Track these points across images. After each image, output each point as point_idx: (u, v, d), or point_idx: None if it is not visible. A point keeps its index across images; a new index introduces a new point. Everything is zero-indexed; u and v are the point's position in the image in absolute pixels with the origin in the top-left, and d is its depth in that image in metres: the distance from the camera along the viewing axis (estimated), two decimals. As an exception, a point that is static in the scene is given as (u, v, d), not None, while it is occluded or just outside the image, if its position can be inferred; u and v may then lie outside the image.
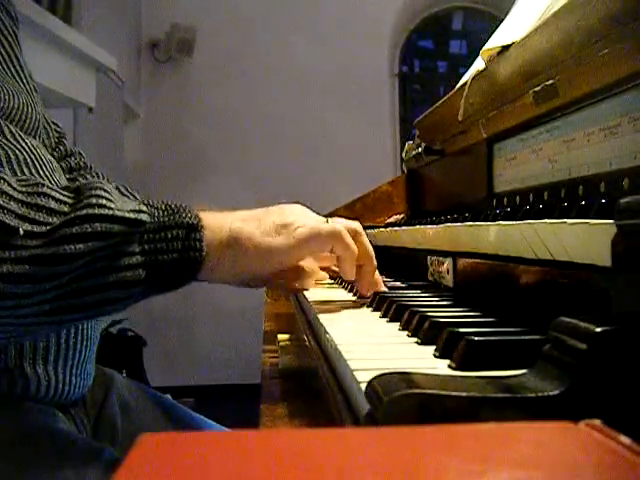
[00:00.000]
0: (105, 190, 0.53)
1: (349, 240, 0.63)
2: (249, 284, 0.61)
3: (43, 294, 0.49)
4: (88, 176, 0.89)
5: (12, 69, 0.75)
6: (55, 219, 0.49)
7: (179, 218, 0.54)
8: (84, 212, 0.50)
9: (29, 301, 0.49)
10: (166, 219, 0.54)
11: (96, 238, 0.50)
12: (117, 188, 0.87)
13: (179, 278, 0.54)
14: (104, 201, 0.51)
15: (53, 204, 0.50)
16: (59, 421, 0.64)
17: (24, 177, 0.56)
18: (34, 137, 0.75)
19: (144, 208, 0.54)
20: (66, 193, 0.52)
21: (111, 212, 0.51)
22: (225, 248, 0.56)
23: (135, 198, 0.86)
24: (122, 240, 0.51)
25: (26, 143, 0.68)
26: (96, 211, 0.50)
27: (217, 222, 0.56)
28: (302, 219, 0.61)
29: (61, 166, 0.86)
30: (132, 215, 0.52)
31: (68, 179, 0.86)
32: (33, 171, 0.66)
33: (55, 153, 0.87)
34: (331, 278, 0.93)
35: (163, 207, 0.55)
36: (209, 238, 0.55)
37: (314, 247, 0.61)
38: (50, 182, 0.68)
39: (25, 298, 0.49)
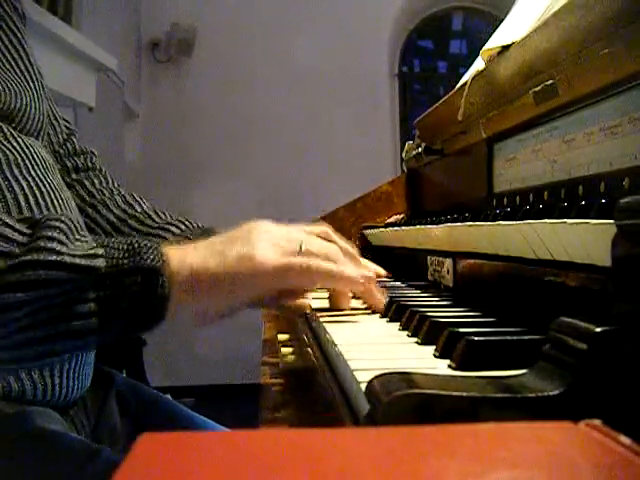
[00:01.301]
0: (60, 229, 0.50)
1: (324, 267, 0.57)
2: (225, 315, 0.57)
3: None
4: (95, 180, 0.87)
5: (21, 66, 0.75)
6: (2, 262, 0.46)
7: (139, 261, 0.50)
8: (30, 257, 0.47)
9: None
10: (124, 262, 0.50)
11: (40, 286, 0.47)
12: (123, 196, 0.86)
13: (139, 324, 0.51)
14: (55, 244, 0.48)
15: (2, 245, 0.47)
16: (57, 423, 0.64)
17: None
18: (36, 137, 0.75)
19: (100, 251, 0.50)
20: (22, 229, 0.49)
21: (60, 257, 0.47)
22: (186, 289, 0.52)
23: (140, 209, 0.85)
24: (73, 287, 0.48)
25: (18, 143, 0.67)
26: (42, 257, 0.47)
27: (178, 262, 0.52)
28: (269, 246, 0.56)
29: (66, 164, 0.86)
30: (84, 262, 0.48)
31: (73, 179, 0.86)
32: (24, 171, 0.65)
33: (62, 150, 0.87)
34: None
35: (125, 247, 0.51)
36: (170, 281, 0.51)
37: (285, 280, 0.56)
38: (44, 181, 0.67)
39: None
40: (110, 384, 0.81)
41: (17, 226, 0.50)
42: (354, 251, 0.64)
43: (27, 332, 0.48)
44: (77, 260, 0.48)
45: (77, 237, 0.51)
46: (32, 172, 0.66)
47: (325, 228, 0.64)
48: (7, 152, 0.65)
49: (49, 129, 0.84)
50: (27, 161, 0.67)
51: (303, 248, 0.57)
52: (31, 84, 0.75)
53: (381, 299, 0.64)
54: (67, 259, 0.48)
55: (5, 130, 0.67)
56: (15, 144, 0.67)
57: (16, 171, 0.64)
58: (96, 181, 0.87)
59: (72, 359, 0.67)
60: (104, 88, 2.81)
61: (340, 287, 0.61)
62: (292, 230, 0.61)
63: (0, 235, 0.48)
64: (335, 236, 0.64)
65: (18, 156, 0.66)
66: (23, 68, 0.75)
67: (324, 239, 0.62)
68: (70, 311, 0.48)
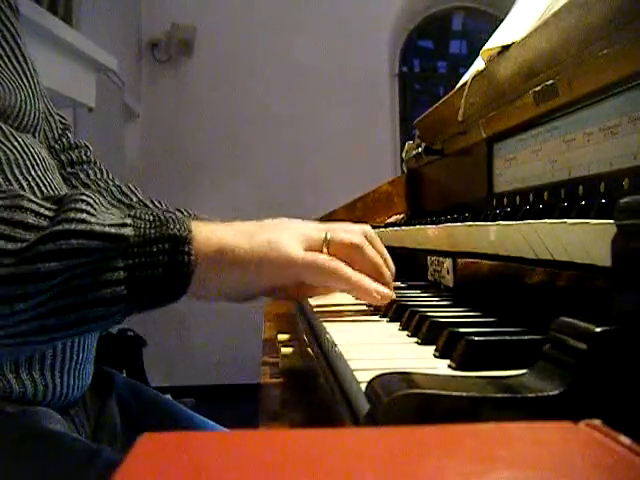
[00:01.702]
0: (87, 202, 0.50)
1: (344, 271, 0.57)
2: (240, 299, 0.57)
3: (20, 314, 0.48)
4: (90, 171, 0.87)
5: (14, 62, 0.74)
6: (32, 235, 0.47)
7: (166, 230, 0.51)
8: (60, 227, 0.47)
9: (6, 322, 0.48)
10: (152, 232, 0.51)
11: (72, 255, 0.47)
12: (119, 187, 0.86)
13: (166, 294, 0.51)
14: (84, 215, 0.49)
15: (31, 219, 0.48)
16: (57, 423, 0.64)
17: (4, 189, 0.54)
18: (33, 133, 0.74)
19: (128, 221, 0.51)
20: (47, 205, 0.50)
21: (90, 227, 0.48)
22: (212, 263, 0.53)
23: (136, 198, 0.85)
24: (103, 256, 0.49)
25: (18, 142, 0.67)
26: (73, 226, 0.48)
27: (206, 234, 0.53)
28: (297, 236, 0.57)
29: (61, 159, 0.86)
30: (113, 230, 0.49)
31: (69, 173, 0.85)
32: (24, 171, 0.65)
33: (57, 145, 0.87)
34: None
35: (151, 219, 0.52)
36: (197, 252, 0.51)
37: (309, 275, 0.56)
38: (44, 181, 0.67)
39: (1, 319, 0.47)
40: (110, 384, 0.81)
41: (42, 202, 0.50)
42: (387, 257, 0.63)
43: (59, 300, 0.48)
44: (107, 229, 0.49)
45: (103, 209, 0.51)
46: (32, 172, 0.66)
47: (368, 228, 0.64)
48: (7, 151, 0.65)
49: (45, 125, 0.84)
50: (27, 161, 0.66)
51: (329, 236, 0.58)
52: (25, 80, 0.75)
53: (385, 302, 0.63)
54: (97, 228, 0.48)
55: (5, 129, 0.67)
56: (15, 144, 0.66)
57: (16, 171, 0.64)
58: (91, 172, 0.87)
59: (73, 358, 0.67)
60: (104, 88, 2.81)
61: (355, 295, 0.60)
62: (322, 224, 0.61)
63: (27, 209, 0.49)
64: (378, 242, 0.63)
65: (18, 156, 0.65)
66: (17, 64, 0.75)
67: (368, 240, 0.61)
68: (101, 279, 0.49)
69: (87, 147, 0.91)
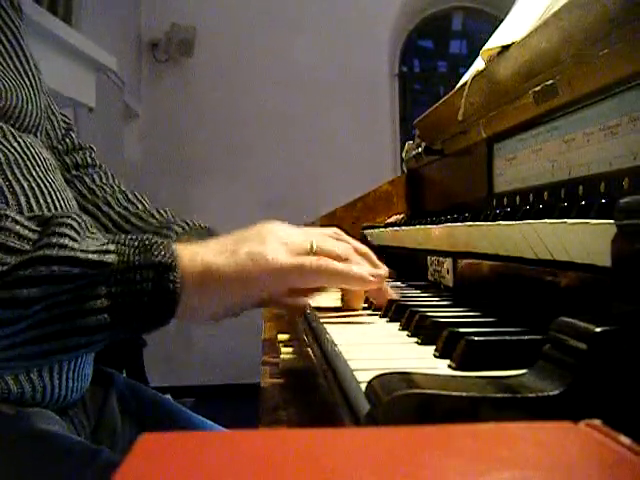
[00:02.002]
0: (71, 226, 0.49)
1: (332, 266, 0.56)
2: (231, 315, 0.57)
3: (2, 340, 0.47)
4: (95, 175, 0.86)
5: (16, 61, 0.74)
6: (12, 259, 0.46)
7: (150, 257, 0.50)
8: (41, 253, 0.46)
9: None
10: (136, 258, 0.50)
11: (53, 282, 0.46)
12: (124, 193, 0.85)
13: (151, 321, 0.50)
14: (66, 240, 0.48)
15: (13, 242, 0.47)
16: (55, 424, 0.63)
17: None
18: (35, 133, 0.74)
19: (112, 247, 0.50)
20: (31, 226, 0.49)
21: (72, 253, 0.47)
22: (198, 286, 0.52)
23: (142, 207, 0.84)
24: (85, 283, 0.48)
25: (18, 143, 0.67)
26: (54, 252, 0.47)
27: (190, 259, 0.52)
28: (281, 245, 0.55)
29: (65, 161, 0.85)
30: (95, 257, 0.48)
31: (73, 175, 0.85)
32: (25, 171, 0.65)
33: (60, 146, 0.86)
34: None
35: (135, 244, 0.51)
36: (182, 277, 0.50)
37: (297, 280, 0.56)
38: (45, 182, 0.67)
39: None
40: (110, 384, 0.81)
41: (27, 223, 0.49)
42: (366, 249, 0.63)
43: (39, 328, 0.47)
44: (89, 255, 0.48)
45: (88, 234, 0.51)
46: (33, 172, 0.66)
47: (335, 229, 0.64)
48: (7, 152, 0.64)
49: (47, 124, 0.83)
50: (28, 161, 0.66)
51: (314, 246, 0.57)
52: (27, 80, 0.74)
53: (392, 297, 0.63)
54: (80, 254, 0.47)
55: (5, 130, 0.67)
56: (15, 144, 0.66)
57: (17, 171, 0.64)
58: (96, 177, 0.86)
59: (72, 360, 0.66)
60: (104, 88, 2.81)
61: (351, 286, 0.60)
62: (303, 230, 0.60)
63: (11, 232, 0.47)
64: (346, 236, 0.63)
65: (18, 156, 0.65)
66: (18, 63, 0.74)
67: (335, 240, 0.61)
68: (83, 307, 0.48)
69: (91, 149, 0.90)
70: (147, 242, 0.51)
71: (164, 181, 3.58)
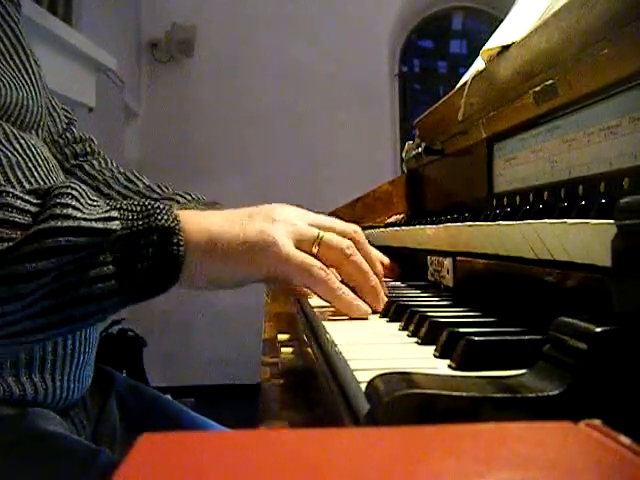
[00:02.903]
0: (72, 196, 0.49)
1: (331, 284, 0.56)
2: (230, 287, 0.56)
3: (12, 314, 0.47)
4: (95, 162, 0.86)
5: (15, 58, 0.73)
6: (17, 234, 0.46)
7: (154, 221, 0.50)
8: (47, 225, 0.46)
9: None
10: (139, 223, 0.49)
11: (60, 253, 0.46)
12: (124, 174, 0.86)
13: (156, 285, 0.50)
14: (70, 210, 0.48)
15: (16, 216, 0.47)
16: (56, 424, 0.63)
17: None
18: (36, 130, 0.73)
19: (115, 214, 0.50)
20: (32, 200, 0.49)
21: (76, 223, 0.47)
22: (204, 252, 0.52)
23: (142, 185, 0.85)
24: (91, 252, 0.48)
25: (20, 144, 0.66)
26: (59, 223, 0.47)
27: (196, 224, 0.52)
28: (289, 230, 0.55)
29: (65, 152, 0.85)
30: (100, 225, 0.48)
31: (73, 165, 0.85)
32: (27, 173, 0.64)
33: (61, 140, 0.86)
34: None
35: (138, 209, 0.51)
36: (187, 242, 0.50)
37: (291, 274, 0.55)
38: (47, 182, 0.67)
39: None
40: (111, 384, 0.81)
41: (27, 197, 0.49)
42: (378, 258, 0.63)
43: (50, 299, 0.47)
44: (94, 224, 0.48)
45: (89, 202, 0.50)
46: (35, 173, 0.66)
47: (355, 227, 0.63)
48: (9, 154, 0.64)
49: (48, 120, 0.83)
50: (29, 163, 0.66)
51: (320, 236, 0.57)
52: (27, 77, 0.73)
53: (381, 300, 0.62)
54: (84, 223, 0.47)
55: (7, 130, 0.66)
56: (17, 145, 0.66)
57: (19, 173, 0.63)
58: (95, 163, 0.86)
59: (73, 361, 0.66)
60: (104, 88, 2.81)
61: (337, 307, 0.59)
62: (317, 217, 0.60)
63: (12, 207, 0.47)
64: (363, 239, 0.62)
65: (20, 158, 0.65)
66: (18, 61, 0.73)
67: (351, 239, 0.60)
68: (91, 275, 0.48)
69: (92, 140, 0.90)
70: (149, 206, 0.51)
71: (164, 181, 3.58)
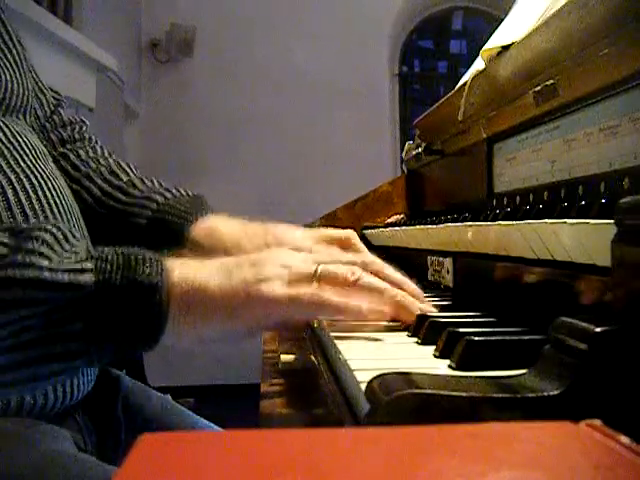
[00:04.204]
0: (44, 240, 0.45)
1: (332, 302, 0.51)
2: (220, 342, 0.52)
3: None
4: (81, 151, 0.81)
5: None
6: None
7: (134, 275, 0.45)
8: (3, 274, 0.42)
9: None
10: (117, 277, 0.45)
11: (18, 306, 0.42)
12: (108, 166, 0.78)
13: (132, 347, 0.46)
14: (36, 258, 0.43)
15: None
16: (64, 440, 0.60)
17: None
18: (23, 114, 0.70)
19: (88, 265, 0.45)
20: (3, 240, 0.44)
21: (38, 274, 0.42)
22: (185, 310, 0.47)
23: (126, 177, 0.78)
24: (55, 307, 0.43)
25: (4, 133, 0.63)
26: (18, 274, 0.42)
27: (179, 277, 0.48)
28: (280, 272, 0.50)
29: (51, 138, 0.81)
30: (66, 277, 0.43)
31: (59, 153, 0.80)
32: (12, 162, 0.61)
33: (48, 124, 0.82)
34: None
35: (120, 260, 0.46)
36: (169, 298, 0.46)
37: (291, 313, 0.51)
38: (35, 172, 0.61)
39: None
40: (116, 387, 0.78)
41: (1, 238, 0.45)
42: (380, 264, 0.58)
43: (10, 355, 0.43)
44: (59, 276, 0.43)
45: (66, 247, 0.46)
46: (21, 163, 0.62)
47: (350, 233, 0.61)
48: None
49: (35, 103, 0.78)
50: (15, 152, 0.62)
51: (319, 271, 0.52)
52: (10, 58, 0.70)
53: (412, 313, 0.55)
54: (47, 275, 0.43)
55: None
56: (1, 134, 0.62)
57: (3, 164, 0.60)
58: (82, 152, 0.81)
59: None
60: (104, 88, 2.81)
61: (348, 319, 0.55)
62: (310, 255, 0.56)
63: None
64: (359, 244, 0.59)
65: (4, 147, 0.61)
66: (0, 41, 0.70)
67: (347, 245, 0.58)
68: (54, 333, 0.43)
69: (83, 122, 0.85)
70: (133, 257, 0.46)
71: (164, 181, 3.58)
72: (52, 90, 0.86)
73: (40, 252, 0.44)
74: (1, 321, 0.42)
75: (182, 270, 0.48)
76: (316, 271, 0.52)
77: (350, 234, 0.63)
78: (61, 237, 0.47)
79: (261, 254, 0.54)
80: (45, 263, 0.43)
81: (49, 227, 0.47)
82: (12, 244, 0.44)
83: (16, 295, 0.42)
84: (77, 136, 0.83)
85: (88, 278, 0.44)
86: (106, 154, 0.85)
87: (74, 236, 0.49)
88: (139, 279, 0.45)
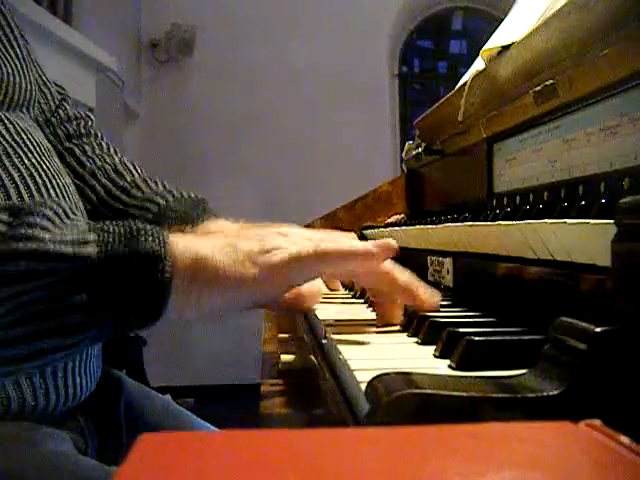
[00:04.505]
0: (44, 214, 0.44)
1: (355, 248, 0.51)
2: (224, 315, 0.51)
3: None
4: (87, 147, 0.80)
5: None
6: None
7: (137, 245, 0.44)
8: (6, 247, 0.42)
9: None
10: (121, 247, 0.44)
11: (21, 279, 0.42)
12: (113, 165, 0.79)
13: (137, 319, 0.46)
14: (38, 231, 0.43)
15: None
16: (66, 443, 0.59)
17: None
18: (27, 108, 0.70)
19: (91, 237, 0.44)
20: (3, 218, 0.44)
21: (41, 246, 0.42)
22: (189, 281, 0.46)
23: (130, 178, 0.78)
24: (58, 279, 0.43)
25: (7, 129, 0.62)
26: (21, 246, 0.42)
27: (183, 247, 0.47)
28: (286, 244, 0.50)
29: (58, 133, 0.80)
30: (69, 249, 0.43)
31: (65, 148, 0.80)
32: (16, 160, 0.60)
33: (53, 118, 0.81)
34: (345, 288, 0.85)
35: (122, 231, 0.45)
36: (173, 269, 0.45)
37: (298, 274, 0.50)
38: (39, 169, 0.60)
39: None
40: (119, 389, 0.78)
41: (1, 215, 0.44)
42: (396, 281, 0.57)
43: (18, 328, 0.43)
44: (63, 248, 0.43)
45: (66, 221, 0.46)
46: (25, 160, 0.61)
47: (352, 235, 0.61)
48: None
49: (39, 97, 0.78)
50: (19, 149, 0.62)
51: (322, 246, 0.51)
52: (12, 51, 0.69)
53: (430, 297, 0.55)
54: (50, 247, 0.42)
55: None
56: (4, 131, 0.62)
57: (7, 162, 0.60)
58: (87, 148, 0.81)
59: (76, 357, 0.63)
60: (104, 88, 2.81)
61: (357, 267, 0.53)
62: (316, 233, 0.56)
63: None
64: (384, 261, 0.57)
65: (8, 145, 0.61)
66: (2, 34, 0.69)
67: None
68: (57, 305, 0.43)
69: (88, 117, 0.84)
70: (135, 228, 0.46)
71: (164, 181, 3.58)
72: (56, 85, 0.85)
73: (42, 225, 0.43)
74: (3, 295, 0.42)
75: (186, 242, 0.48)
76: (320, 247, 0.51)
77: (351, 237, 0.63)
78: (61, 212, 0.46)
79: (265, 229, 0.53)
80: (47, 236, 0.43)
81: (49, 203, 0.46)
82: (12, 220, 0.44)
83: (19, 268, 0.42)
84: (83, 131, 0.82)
85: (91, 249, 0.44)
86: (112, 151, 0.85)
87: (72, 211, 0.48)
88: (142, 250, 0.44)
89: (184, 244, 0.47)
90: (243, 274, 0.48)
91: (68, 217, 0.47)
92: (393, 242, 0.53)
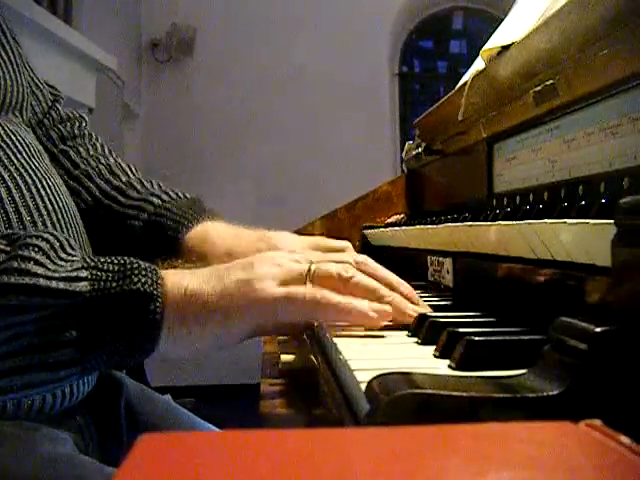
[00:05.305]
0: (40, 248, 0.44)
1: (329, 299, 0.50)
2: (216, 350, 0.51)
3: None
4: (81, 148, 0.80)
5: None
6: None
7: (130, 284, 0.45)
8: (0, 279, 0.42)
9: None
10: (113, 285, 0.44)
11: (11, 312, 0.42)
12: (108, 165, 0.78)
13: (127, 356, 0.46)
14: (30, 265, 0.43)
15: None
16: (65, 443, 0.59)
17: None
18: (19, 111, 0.70)
19: (84, 273, 0.45)
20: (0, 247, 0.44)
21: (33, 280, 0.42)
22: (180, 317, 0.47)
23: (125, 178, 0.78)
24: (49, 314, 0.43)
25: None
26: (12, 280, 0.42)
27: (173, 285, 0.47)
28: (273, 272, 0.50)
29: (51, 135, 0.80)
30: (62, 285, 0.43)
31: (60, 150, 0.79)
32: (5, 161, 0.60)
33: (46, 120, 0.81)
34: None
35: (115, 269, 0.46)
36: (164, 306, 0.46)
37: (281, 313, 0.49)
38: (29, 170, 0.60)
39: None
40: (119, 389, 0.78)
41: None
42: (373, 264, 0.57)
43: (9, 360, 0.43)
44: (54, 283, 0.43)
45: (62, 256, 0.46)
46: (15, 161, 0.61)
47: (346, 243, 0.60)
48: None
49: (32, 99, 0.77)
50: (8, 150, 0.62)
51: (312, 269, 0.51)
52: (4, 55, 0.69)
53: (410, 314, 0.54)
54: (42, 282, 0.43)
55: None
56: None
57: None
58: (82, 150, 0.81)
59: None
60: (104, 88, 2.81)
61: (350, 323, 0.53)
62: (303, 255, 0.56)
63: None
64: (374, 265, 0.58)
65: None
66: None
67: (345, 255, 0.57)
68: (47, 340, 0.43)
69: (82, 118, 0.85)
70: (129, 264, 0.46)
71: (164, 181, 3.58)
72: (49, 85, 0.84)
73: (36, 259, 0.44)
74: None
75: (175, 278, 0.48)
76: (309, 269, 0.51)
77: (346, 245, 0.63)
78: (57, 245, 0.47)
79: (252, 257, 0.53)
80: (40, 270, 0.43)
81: (45, 235, 0.47)
82: (8, 251, 0.44)
83: (9, 301, 0.42)
84: (77, 132, 0.83)
85: (83, 286, 0.44)
86: (106, 152, 0.84)
87: (70, 244, 0.49)
88: (134, 288, 0.45)
89: (173, 281, 0.48)
90: (232, 307, 0.48)
91: (63, 249, 0.47)
92: (389, 309, 0.53)
